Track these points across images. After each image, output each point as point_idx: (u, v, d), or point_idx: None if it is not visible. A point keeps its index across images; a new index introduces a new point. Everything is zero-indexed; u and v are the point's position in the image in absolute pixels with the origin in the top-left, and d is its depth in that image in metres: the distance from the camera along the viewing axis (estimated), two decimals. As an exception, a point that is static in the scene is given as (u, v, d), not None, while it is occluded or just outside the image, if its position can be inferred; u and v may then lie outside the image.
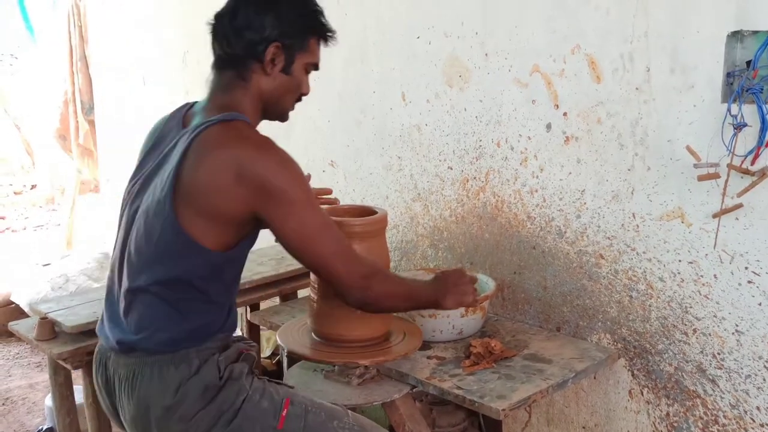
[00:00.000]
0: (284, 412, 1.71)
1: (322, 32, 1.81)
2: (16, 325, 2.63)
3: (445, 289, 1.90)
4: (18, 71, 9.21)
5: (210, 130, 1.62)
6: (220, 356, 1.70)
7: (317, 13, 1.79)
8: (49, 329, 2.46)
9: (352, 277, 1.71)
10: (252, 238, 1.73)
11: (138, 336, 1.67)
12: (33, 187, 8.57)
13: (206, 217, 1.60)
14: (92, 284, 4.35)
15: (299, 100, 1.86)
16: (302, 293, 3.04)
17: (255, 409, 1.69)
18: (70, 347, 2.39)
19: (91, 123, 5.45)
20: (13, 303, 4.65)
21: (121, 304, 1.72)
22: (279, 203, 1.60)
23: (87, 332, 2.40)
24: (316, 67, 1.86)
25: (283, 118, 1.87)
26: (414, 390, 2.15)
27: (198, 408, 1.64)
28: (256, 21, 1.69)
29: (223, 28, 1.73)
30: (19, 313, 4.42)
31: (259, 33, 1.70)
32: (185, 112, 1.81)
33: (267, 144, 1.64)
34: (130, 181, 1.81)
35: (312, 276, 2.12)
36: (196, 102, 1.83)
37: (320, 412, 1.75)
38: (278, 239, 1.69)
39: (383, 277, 1.80)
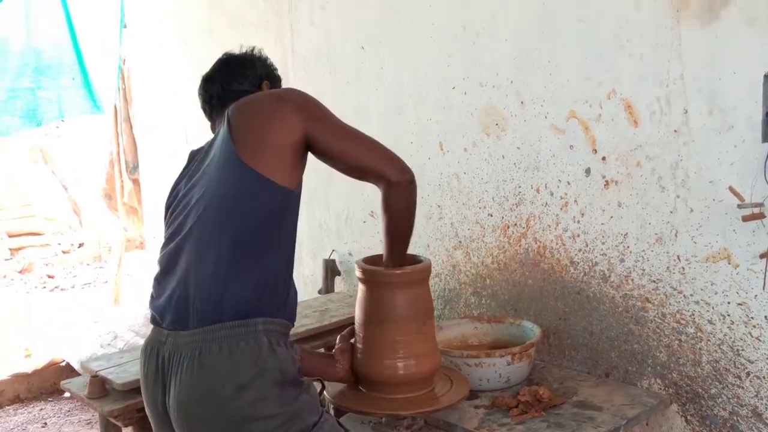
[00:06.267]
0: None
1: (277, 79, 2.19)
2: (68, 384, 2.67)
3: None
4: (64, 134, 9.51)
5: (237, 102, 1.84)
6: (292, 349, 1.75)
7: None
8: (100, 387, 2.50)
9: (397, 162, 1.83)
10: (302, 172, 1.83)
11: (207, 296, 1.69)
12: (80, 245, 8.76)
13: (266, 148, 1.74)
14: (140, 340, 4.40)
15: None
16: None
17: None
18: (120, 404, 2.42)
19: (136, 182, 5.59)
20: (63, 361, 4.73)
21: (186, 275, 1.74)
22: (317, 117, 1.82)
23: (137, 389, 2.42)
24: None
25: None
26: (463, 441, 2.13)
27: (274, 395, 1.64)
28: (251, 68, 2.12)
29: (226, 74, 2.10)
30: (69, 371, 4.49)
31: (255, 74, 2.10)
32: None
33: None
34: (174, 187, 1.98)
35: (357, 314, 2.10)
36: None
37: None
38: (325, 151, 1.81)
39: None
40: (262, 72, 2.12)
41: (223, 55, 2.16)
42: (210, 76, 2.13)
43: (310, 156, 1.84)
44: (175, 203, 1.91)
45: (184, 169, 2.00)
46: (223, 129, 1.81)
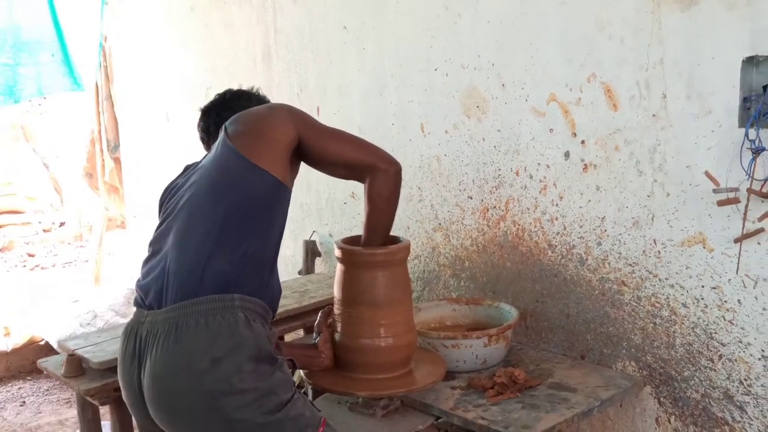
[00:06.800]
0: (321, 429, 1.76)
1: None
2: (45, 362, 2.66)
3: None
4: (46, 111, 9.41)
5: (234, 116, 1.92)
6: (270, 331, 1.77)
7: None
8: (77, 366, 2.49)
9: (385, 154, 1.95)
10: (293, 179, 1.93)
11: (187, 270, 1.71)
12: (62, 224, 8.69)
13: (262, 142, 1.81)
14: (119, 320, 4.39)
15: None
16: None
17: (298, 412, 1.72)
18: (97, 383, 2.42)
19: (117, 161, 5.55)
20: (42, 340, 4.72)
21: (171, 251, 1.77)
22: (307, 122, 1.92)
23: (114, 368, 2.42)
24: None
25: None
26: (438, 421, 2.15)
27: (249, 369, 1.65)
28: (246, 100, 2.22)
29: (222, 104, 2.22)
30: (48, 350, 4.47)
31: (250, 105, 2.11)
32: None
33: None
34: (168, 186, 2.02)
35: (336, 293, 2.11)
36: None
37: None
38: (315, 153, 1.91)
39: None
40: (257, 104, 2.18)
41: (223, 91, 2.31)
42: (208, 108, 2.26)
43: None
44: (169, 196, 1.97)
45: (179, 176, 2.06)
46: (220, 136, 1.88)
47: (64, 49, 4.86)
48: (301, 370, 2.15)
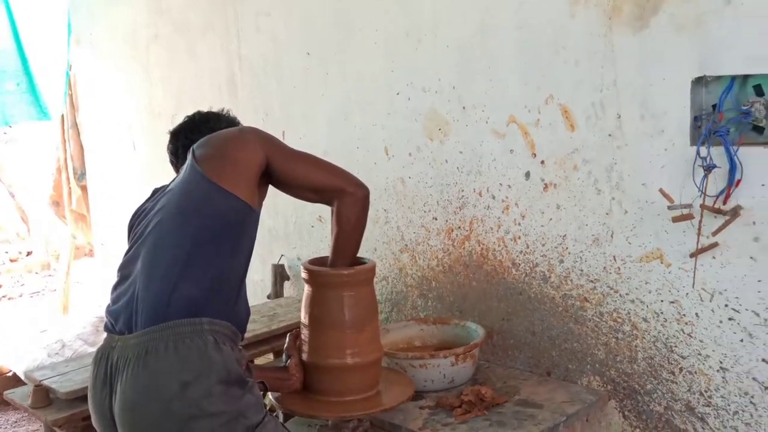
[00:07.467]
0: None
1: None
2: (11, 394, 2.64)
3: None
4: (12, 140, 9.33)
5: (202, 139, 1.93)
6: (239, 353, 1.78)
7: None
8: (44, 396, 2.47)
9: (353, 178, 1.98)
10: (261, 202, 1.93)
11: (156, 296, 1.72)
12: (29, 253, 8.60)
13: (228, 163, 1.82)
14: (88, 349, 4.34)
15: None
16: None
17: None
18: (65, 413, 2.40)
19: (84, 188, 5.52)
20: (10, 371, 4.65)
21: (139, 277, 1.77)
22: (275, 144, 1.94)
23: (82, 398, 2.41)
24: None
25: None
26: (407, 441, 2.16)
27: (219, 392, 1.66)
28: (215, 122, 2.22)
29: (191, 126, 2.22)
30: (16, 381, 4.41)
31: (219, 126, 2.13)
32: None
33: None
34: (136, 210, 2.02)
35: (303, 315, 2.12)
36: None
37: None
38: (284, 176, 1.92)
39: None
40: (226, 126, 2.18)
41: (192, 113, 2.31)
42: (177, 131, 2.26)
43: None
44: (138, 221, 1.96)
45: (147, 200, 2.06)
46: (188, 159, 1.88)
47: (30, 79, 4.86)
48: (270, 393, 2.16)
